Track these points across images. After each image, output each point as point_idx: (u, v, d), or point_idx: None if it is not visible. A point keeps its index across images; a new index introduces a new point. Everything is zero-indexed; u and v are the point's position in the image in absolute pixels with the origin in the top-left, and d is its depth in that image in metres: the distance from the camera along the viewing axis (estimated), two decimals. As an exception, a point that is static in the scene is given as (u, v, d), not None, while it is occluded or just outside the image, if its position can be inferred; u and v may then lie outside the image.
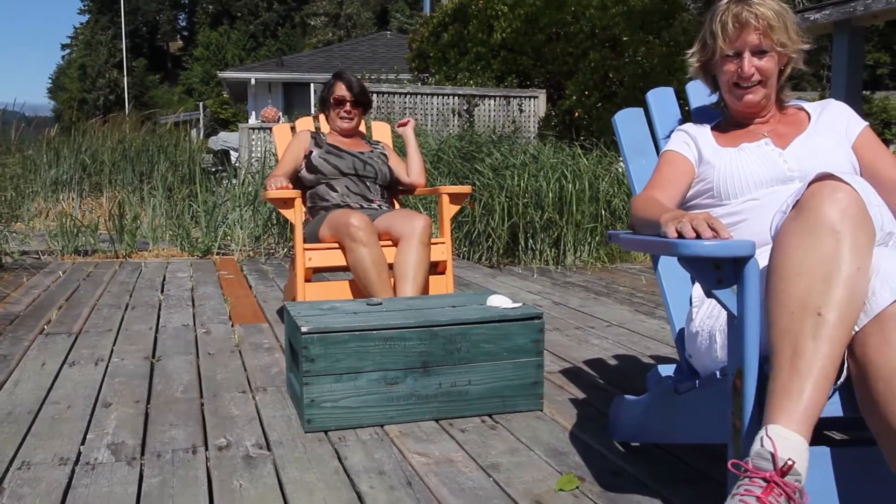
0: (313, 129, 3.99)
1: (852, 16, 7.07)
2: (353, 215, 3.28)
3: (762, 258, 1.60)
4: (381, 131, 4.24)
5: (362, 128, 4.04)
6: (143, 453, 2.13)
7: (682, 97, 2.36)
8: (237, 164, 10.39)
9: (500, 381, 2.41)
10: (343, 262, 3.35)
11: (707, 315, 1.79)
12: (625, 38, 10.94)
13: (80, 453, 2.13)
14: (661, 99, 2.34)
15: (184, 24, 59.25)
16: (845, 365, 1.41)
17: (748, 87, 1.96)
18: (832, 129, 1.98)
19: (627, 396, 2.11)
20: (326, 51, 26.19)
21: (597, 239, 5.97)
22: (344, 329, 2.28)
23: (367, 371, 2.30)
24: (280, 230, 6.63)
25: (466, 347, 2.36)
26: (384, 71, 15.14)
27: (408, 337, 2.32)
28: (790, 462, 1.24)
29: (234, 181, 8.12)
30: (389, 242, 3.36)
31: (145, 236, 6.84)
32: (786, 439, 1.26)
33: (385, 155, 3.89)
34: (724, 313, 1.67)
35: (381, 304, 2.62)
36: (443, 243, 3.49)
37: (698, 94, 2.26)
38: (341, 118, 3.83)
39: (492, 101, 10.67)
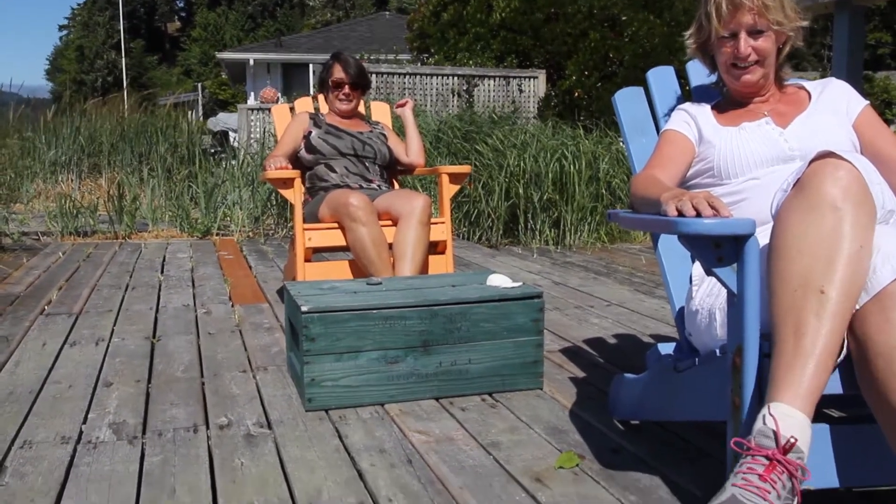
0: (312, 110, 3.97)
1: (853, -5, 7.04)
2: (352, 195, 3.27)
3: (762, 237, 1.60)
4: (380, 111, 4.23)
5: (361, 108, 4.03)
6: (144, 432, 2.14)
7: (682, 76, 2.35)
8: (236, 145, 10.37)
9: (499, 360, 2.41)
10: (343, 242, 3.35)
11: (707, 293, 1.79)
12: (624, 18, 10.89)
13: (81, 432, 2.13)
14: (662, 78, 2.33)
15: (181, 4, 58.95)
16: (845, 343, 1.41)
17: (745, 68, 1.95)
18: (833, 108, 1.97)
19: (627, 375, 2.11)
20: (325, 31, 26.10)
21: (597, 219, 5.97)
22: (344, 308, 2.28)
23: (368, 350, 2.30)
24: (279, 211, 6.63)
25: (466, 326, 2.37)
26: (383, 51, 15.09)
27: (408, 316, 2.32)
28: (792, 440, 1.24)
29: (233, 162, 8.11)
30: (389, 222, 3.36)
31: (145, 217, 6.84)
32: (788, 417, 1.27)
33: (384, 135, 3.88)
34: (723, 291, 1.67)
35: (380, 283, 2.62)
36: (442, 223, 3.48)
37: (698, 73, 2.26)
38: (340, 100, 3.82)
39: (491, 82, 10.64)
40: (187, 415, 2.27)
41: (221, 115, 17.30)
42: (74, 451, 2.01)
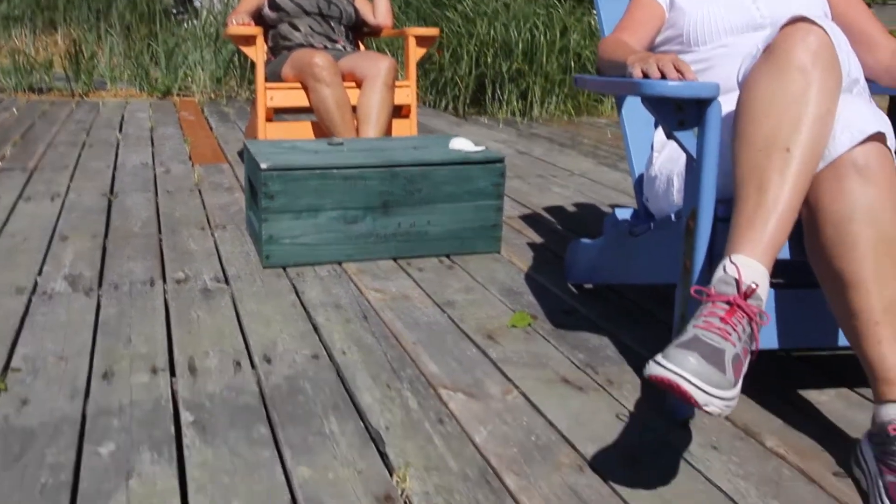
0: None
1: None
2: (316, 55, 3.19)
3: (727, 105, 1.59)
4: (346, -31, 4.07)
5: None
6: (100, 285, 2.13)
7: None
8: (199, 5, 9.99)
9: (459, 223, 2.42)
10: (305, 103, 3.29)
11: (667, 159, 1.79)
12: None
13: (36, 283, 2.13)
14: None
15: None
16: (798, 211, 1.42)
17: None
18: (807, -24, 1.93)
19: (583, 240, 2.13)
20: None
21: (565, 91, 5.90)
22: (304, 167, 2.26)
23: (327, 209, 2.29)
24: (242, 72, 6.47)
25: (427, 188, 2.36)
26: None
27: (368, 176, 2.30)
28: (753, 286, 1.26)
29: (195, 22, 7.83)
30: (353, 84, 3.30)
31: (103, 76, 6.64)
32: (749, 266, 1.28)
33: (351, -6, 3.76)
34: (683, 157, 1.67)
35: (342, 143, 2.59)
36: (408, 87, 3.42)
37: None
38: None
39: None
40: (144, 269, 2.26)
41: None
42: (29, 301, 2.01)
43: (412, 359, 1.75)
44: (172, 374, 1.65)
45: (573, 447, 1.42)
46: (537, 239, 2.69)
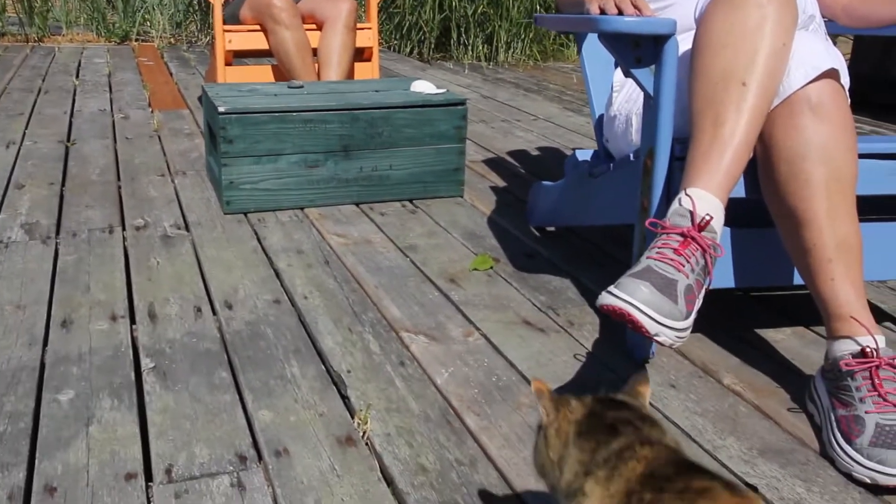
0: None
1: None
2: (275, -4, 3.12)
3: (686, 43, 1.58)
4: None
5: None
6: (58, 233, 2.10)
7: None
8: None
9: (421, 167, 2.41)
10: (265, 46, 3.23)
11: (626, 99, 1.78)
12: None
13: (-9, 231, 2.09)
14: None
15: None
16: (753, 145, 1.43)
17: None
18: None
19: (545, 182, 2.13)
20: None
21: (530, 36, 5.84)
22: (263, 110, 2.22)
23: (287, 153, 2.27)
24: (203, 16, 6.32)
25: (388, 132, 2.34)
26: None
27: (328, 119, 2.27)
28: (707, 217, 1.26)
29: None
30: (313, 26, 3.24)
31: (58, 20, 6.46)
32: (704, 199, 1.29)
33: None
34: (641, 97, 1.66)
35: (302, 86, 2.55)
36: (369, 28, 3.37)
37: None
38: None
39: None
40: (103, 216, 2.23)
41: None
42: (-16, 248, 1.98)
43: (374, 303, 1.75)
44: (132, 321, 1.64)
45: (533, 386, 1.43)
46: (500, 183, 2.69)
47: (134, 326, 1.62)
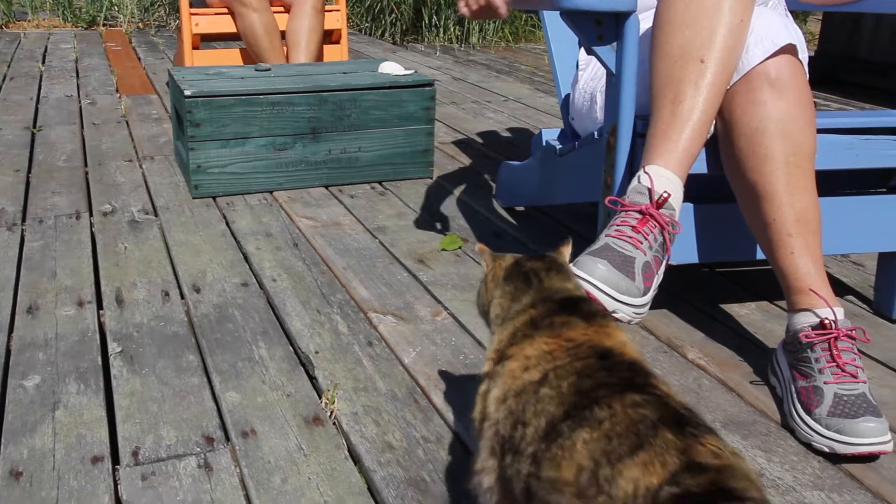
0: None
1: None
2: (242, -21, 3.10)
3: (648, 21, 1.59)
4: None
5: None
6: (24, 219, 2.09)
7: None
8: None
9: (390, 149, 2.41)
10: (233, 29, 3.21)
11: (590, 77, 1.79)
12: None
13: (-44, 219, 2.07)
14: None
15: None
16: (713, 122, 1.44)
17: None
18: None
19: (512, 162, 2.14)
20: None
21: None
22: (230, 93, 2.21)
23: (255, 136, 2.26)
24: (171, 0, 6.25)
25: (356, 114, 2.33)
26: None
27: (296, 102, 2.27)
28: (665, 195, 1.28)
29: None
30: (281, 8, 3.22)
31: (23, 5, 6.37)
32: (662, 177, 1.30)
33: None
34: (605, 74, 1.67)
35: (269, 69, 2.54)
36: (338, 10, 3.36)
37: None
38: None
39: None
40: (69, 202, 2.22)
41: None
42: (-51, 236, 1.96)
43: (342, 284, 1.75)
44: (99, 306, 1.63)
45: (499, 364, 1.44)
46: (470, 164, 2.70)
47: (101, 311, 1.61)
